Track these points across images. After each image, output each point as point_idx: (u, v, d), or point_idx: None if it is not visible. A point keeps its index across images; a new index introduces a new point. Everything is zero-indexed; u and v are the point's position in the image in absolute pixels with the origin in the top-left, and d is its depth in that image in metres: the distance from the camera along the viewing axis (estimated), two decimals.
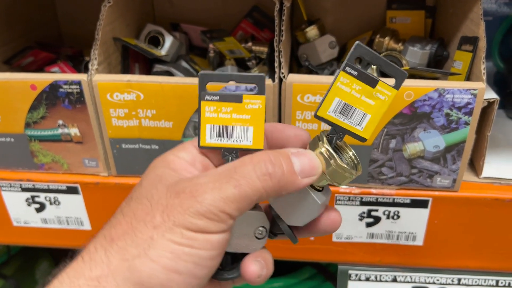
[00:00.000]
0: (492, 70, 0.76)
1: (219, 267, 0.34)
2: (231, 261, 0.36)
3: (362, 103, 0.33)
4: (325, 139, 0.33)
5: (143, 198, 0.31)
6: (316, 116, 0.33)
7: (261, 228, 0.34)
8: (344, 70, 0.32)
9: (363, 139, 0.34)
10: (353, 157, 0.34)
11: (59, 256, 1.16)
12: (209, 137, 0.35)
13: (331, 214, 0.36)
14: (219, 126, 0.35)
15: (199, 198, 0.29)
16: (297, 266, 0.91)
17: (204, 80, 0.34)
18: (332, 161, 0.32)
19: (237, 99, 0.34)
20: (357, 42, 0.32)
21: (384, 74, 0.36)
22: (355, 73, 0.32)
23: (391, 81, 0.33)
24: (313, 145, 0.34)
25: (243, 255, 0.35)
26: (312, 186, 0.34)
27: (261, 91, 0.34)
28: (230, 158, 0.35)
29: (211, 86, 0.51)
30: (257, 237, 0.34)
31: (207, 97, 0.34)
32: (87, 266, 0.29)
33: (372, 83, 0.33)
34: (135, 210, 0.31)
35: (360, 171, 0.34)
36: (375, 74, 0.34)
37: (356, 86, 0.33)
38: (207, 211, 0.29)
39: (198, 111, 0.35)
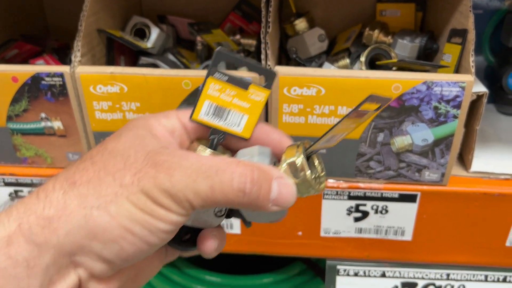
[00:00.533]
0: (482, 64, 0.76)
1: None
2: (185, 233, 0.36)
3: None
4: (301, 149, 0.32)
5: (118, 155, 0.31)
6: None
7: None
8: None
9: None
10: (321, 173, 0.34)
11: None
12: (203, 113, 0.35)
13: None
14: (217, 106, 0.35)
15: (172, 179, 0.29)
16: (287, 262, 0.91)
17: (220, 57, 0.34)
18: (303, 171, 0.32)
19: (244, 85, 0.35)
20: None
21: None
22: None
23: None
24: (290, 151, 0.33)
25: (199, 229, 0.36)
26: None
27: (268, 85, 0.35)
28: (216, 139, 0.35)
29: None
30: (216, 215, 0.35)
31: (217, 74, 0.34)
32: (41, 203, 0.28)
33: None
34: (107, 162, 0.30)
35: (323, 188, 0.34)
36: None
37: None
38: (174, 195, 0.29)
39: (202, 84, 0.35)
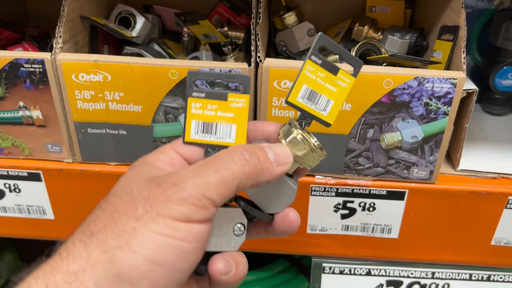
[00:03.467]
0: (470, 64, 0.76)
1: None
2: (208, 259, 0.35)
3: (326, 90, 0.35)
4: (297, 124, 0.35)
5: (123, 193, 0.31)
6: (286, 102, 0.35)
7: (239, 225, 0.35)
8: (310, 58, 0.34)
9: (328, 124, 0.36)
10: (317, 143, 0.36)
11: (24, 248, 1.11)
12: (193, 133, 0.36)
13: (290, 214, 0.36)
14: (204, 123, 0.36)
15: (181, 185, 0.29)
16: (271, 259, 0.90)
17: (192, 77, 0.35)
18: (306, 143, 0.34)
19: (223, 97, 0.35)
20: (320, 33, 0.34)
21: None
22: (320, 61, 0.34)
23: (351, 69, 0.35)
24: (286, 132, 0.35)
25: None
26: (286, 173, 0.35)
27: (245, 90, 0.35)
28: (212, 155, 0.36)
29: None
30: (235, 234, 0.35)
31: (194, 93, 0.36)
32: (64, 261, 0.28)
33: (334, 71, 0.35)
34: (115, 204, 0.31)
35: (325, 154, 0.36)
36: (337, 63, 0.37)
37: (321, 73, 0.35)
38: (190, 196, 0.29)
39: (184, 107, 0.36)
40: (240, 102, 0.36)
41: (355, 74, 0.35)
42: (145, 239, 0.28)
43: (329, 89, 0.35)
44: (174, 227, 0.29)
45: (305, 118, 0.35)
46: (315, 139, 0.36)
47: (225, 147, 0.35)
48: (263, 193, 0.36)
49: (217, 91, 0.35)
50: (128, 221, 0.29)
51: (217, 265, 0.33)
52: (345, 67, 0.36)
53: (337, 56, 0.65)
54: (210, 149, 0.36)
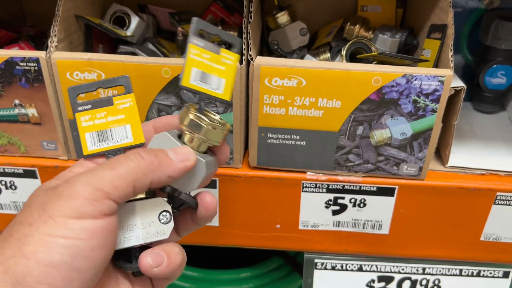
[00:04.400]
0: (460, 63, 0.77)
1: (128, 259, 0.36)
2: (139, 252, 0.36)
3: (214, 69, 0.37)
4: (190, 107, 0.36)
5: (24, 206, 0.31)
6: (181, 87, 0.36)
7: (164, 213, 0.36)
8: (191, 42, 0.35)
9: (225, 101, 0.37)
10: (219, 119, 0.38)
11: None
12: (90, 145, 0.37)
13: (206, 196, 0.37)
14: (97, 132, 0.37)
15: (72, 182, 0.30)
16: (265, 256, 0.91)
17: (73, 93, 0.37)
18: (202, 122, 0.35)
19: (108, 102, 0.37)
20: (195, 18, 0.36)
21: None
22: (201, 43, 0.36)
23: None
24: (182, 117, 0.36)
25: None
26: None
27: (128, 90, 0.37)
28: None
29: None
30: (162, 223, 0.36)
31: (80, 108, 0.37)
32: None
33: (216, 51, 0.36)
34: (15, 218, 0.30)
35: (229, 127, 0.37)
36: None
37: (205, 55, 0.36)
38: (81, 190, 0.29)
39: (74, 123, 0.38)
40: (126, 102, 0.37)
41: (237, 51, 0.37)
42: (37, 243, 0.28)
43: (217, 69, 0.37)
44: (66, 226, 0.28)
45: (203, 100, 0.36)
46: (217, 116, 0.38)
47: (126, 148, 0.36)
48: (182, 178, 0.36)
49: (101, 99, 0.37)
50: (22, 228, 0.28)
51: (145, 260, 0.33)
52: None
53: (328, 55, 0.66)
54: (111, 155, 0.37)
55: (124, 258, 0.36)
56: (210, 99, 0.37)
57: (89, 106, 0.37)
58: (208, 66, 0.36)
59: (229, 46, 0.38)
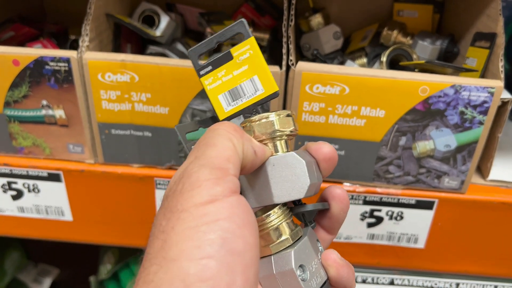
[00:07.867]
0: None
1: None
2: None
3: (238, 77, 0.33)
4: (248, 122, 0.32)
5: (151, 235, 0.27)
6: (223, 121, 0.32)
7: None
8: (200, 77, 0.33)
9: (274, 94, 0.32)
10: (274, 112, 0.32)
11: (31, 247, 1.09)
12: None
13: (335, 189, 0.33)
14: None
15: (189, 175, 0.26)
16: None
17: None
18: (266, 118, 0.31)
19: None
20: (189, 50, 0.33)
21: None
22: (209, 68, 0.33)
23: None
24: (248, 131, 0.32)
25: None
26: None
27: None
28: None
29: None
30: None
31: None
32: None
33: (227, 58, 0.33)
34: (146, 250, 0.27)
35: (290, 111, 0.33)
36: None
37: (220, 73, 0.33)
38: (201, 175, 0.26)
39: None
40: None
41: (246, 35, 0.32)
42: (179, 242, 0.24)
43: (241, 73, 0.33)
44: (203, 212, 0.25)
45: (250, 112, 0.33)
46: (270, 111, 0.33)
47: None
48: (282, 181, 0.31)
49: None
50: (156, 242, 0.25)
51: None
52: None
53: (365, 60, 0.64)
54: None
55: None
56: (257, 106, 0.33)
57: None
58: (230, 81, 0.33)
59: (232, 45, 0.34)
